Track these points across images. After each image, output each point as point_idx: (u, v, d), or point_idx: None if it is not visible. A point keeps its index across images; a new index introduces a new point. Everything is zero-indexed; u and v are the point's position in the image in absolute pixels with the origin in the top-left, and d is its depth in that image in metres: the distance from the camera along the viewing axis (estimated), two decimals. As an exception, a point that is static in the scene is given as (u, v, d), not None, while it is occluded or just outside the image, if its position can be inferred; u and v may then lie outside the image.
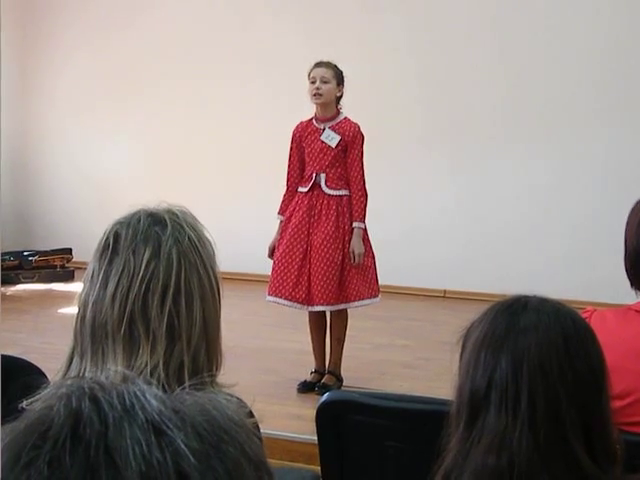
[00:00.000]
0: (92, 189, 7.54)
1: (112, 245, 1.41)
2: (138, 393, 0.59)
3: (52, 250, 7.33)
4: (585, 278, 6.19)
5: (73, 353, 1.42)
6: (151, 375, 1.36)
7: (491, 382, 1.27)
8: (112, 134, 7.59)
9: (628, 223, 2.07)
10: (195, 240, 1.43)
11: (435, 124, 6.83)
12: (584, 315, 2.06)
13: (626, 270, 2.06)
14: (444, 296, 6.67)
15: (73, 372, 1.40)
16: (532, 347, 1.27)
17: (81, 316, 1.41)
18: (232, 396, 1.73)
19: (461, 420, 1.30)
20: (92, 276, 1.42)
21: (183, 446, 0.57)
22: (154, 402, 0.58)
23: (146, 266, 1.38)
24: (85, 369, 1.39)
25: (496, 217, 6.69)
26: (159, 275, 1.38)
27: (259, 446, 0.63)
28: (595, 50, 6.44)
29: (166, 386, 1.36)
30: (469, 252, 6.70)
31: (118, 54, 7.52)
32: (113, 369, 1.36)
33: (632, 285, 2.06)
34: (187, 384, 1.35)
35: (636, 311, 2.02)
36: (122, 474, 0.55)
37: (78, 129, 7.70)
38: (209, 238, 1.50)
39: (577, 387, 1.25)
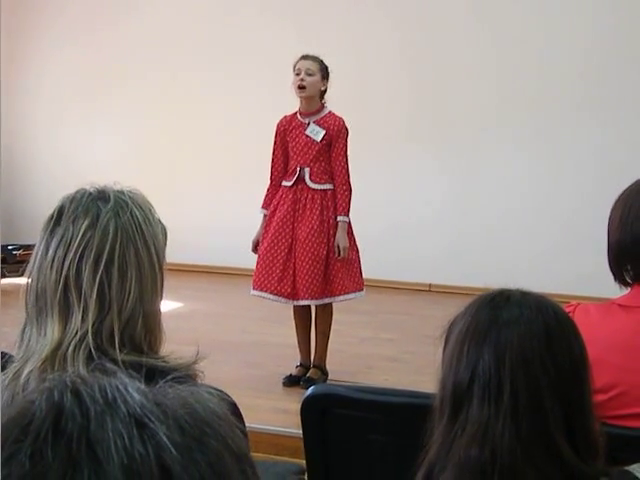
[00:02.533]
0: (76, 182, 7.47)
1: (55, 217, 1.47)
2: (120, 386, 0.59)
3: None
4: (571, 273, 6.21)
5: (25, 322, 1.47)
6: (80, 342, 1.40)
7: (474, 375, 1.27)
8: (96, 128, 7.56)
9: (610, 218, 2.08)
10: (138, 217, 1.46)
11: (422, 119, 6.84)
12: (568, 309, 2.07)
13: (609, 264, 2.07)
14: (429, 290, 6.69)
15: (25, 341, 1.45)
16: (514, 340, 1.27)
17: (29, 285, 1.47)
18: (216, 389, 1.74)
19: (444, 413, 1.30)
20: (37, 247, 1.48)
21: (165, 439, 0.57)
22: (136, 395, 0.58)
23: (82, 235, 1.43)
24: (32, 336, 1.44)
25: (482, 212, 6.71)
26: (93, 244, 1.42)
27: (242, 439, 0.63)
28: (586, 44, 6.45)
29: (95, 354, 1.39)
30: (455, 246, 6.71)
31: (103, 49, 7.49)
32: (50, 334, 1.40)
33: (615, 279, 2.07)
34: (120, 356, 1.39)
35: (619, 305, 2.03)
36: (104, 467, 0.55)
37: (63, 123, 7.67)
38: (160, 223, 1.53)
39: (559, 380, 1.26)
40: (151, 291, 1.45)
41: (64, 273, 1.42)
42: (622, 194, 2.09)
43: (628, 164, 5.64)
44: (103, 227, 1.43)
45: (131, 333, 1.43)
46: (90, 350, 1.39)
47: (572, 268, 6.21)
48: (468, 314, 1.34)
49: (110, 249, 1.42)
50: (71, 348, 1.38)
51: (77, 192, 1.50)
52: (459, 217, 6.75)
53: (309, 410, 2.20)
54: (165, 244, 1.54)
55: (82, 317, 1.41)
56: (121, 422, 0.57)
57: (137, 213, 1.46)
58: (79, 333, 1.40)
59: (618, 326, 2.00)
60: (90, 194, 1.48)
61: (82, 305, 1.41)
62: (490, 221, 6.66)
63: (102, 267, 1.41)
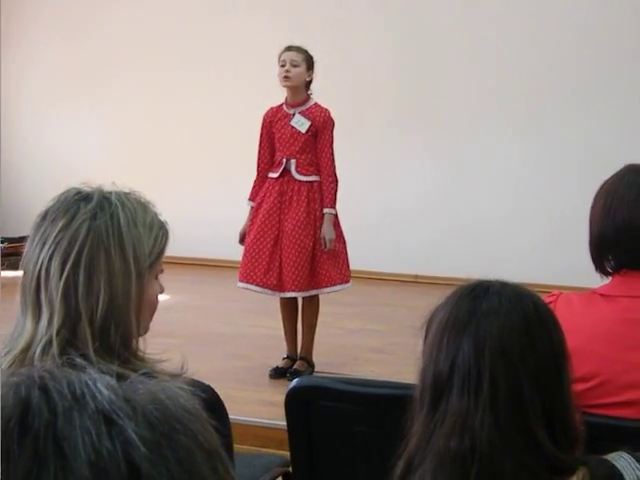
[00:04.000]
0: (63, 175, 7.45)
1: (42, 215, 1.48)
2: (89, 382, 0.58)
3: (20, 237, 7.25)
4: (559, 264, 6.21)
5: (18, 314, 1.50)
6: (47, 346, 1.39)
7: (454, 365, 1.28)
8: (84, 120, 7.53)
9: (592, 208, 2.09)
10: (120, 220, 1.44)
11: (408, 109, 6.83)
12: (550, 299, 2.08)
13: (591, 254, 2.08)
14: (416, 281, 6.69)
15: (13, 333, 1.47)
16: (494, 331, 1.28)
17: (21, 279, 1.50)
18: (199, 383, 1.73)
19: (424, 403, 1.31)
20: (27, 243, 1.50)
21: (134, 435, 0.56)
22: (105, 391, 0.58)
23: (55, 236, 1.43)
24: (17, 329, 1.46)
25: (469, 203, 6.72)
26: (62, 246, 1.41)
27: (214, 435, 0.63)
28: (573, 34, 6.46)
29: (58, 359, 1.37)
30: (441, 237, 6.72)
31: (88, 45, 7.45)
32: (25, 332, 1.41)
33: (597, 269, 2.08)
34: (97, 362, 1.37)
35: (601, 295, 2.04)
36: (71, 464, 0.54)
37: (50, 116, 7.63)
38: (157, 225, 1.50)
39: (538, 370, 1.26)
40: (124, 297, 1.43)
41: (36, 273, 1.42)
42: (604, 185, 2.09)
43: (618, 155, 5.65)
44: (75, 229, 1.41)
45: (105, 341, 1.41)
46: (55, 356, 1.38)
47: (561, 259, 6.21)
48: (448, 305, 1.35)
49: (77, 252, 1.40)
50: (38, 351, 1.37)
51: (66, 191, 1.49)
52: (446, 208, 6.76)
53: (293, 402, 2.20)
54: (163, 245, 1.51)
55: (49, 319, 1.40)
56: (89, 418, 0.56)
57: (120, 215, 1.44)
58: (45, 338, 1.40)
59: (600, 315, 2.01)
60: (77, 194, 1.47)
61: (49, 307, 1.41)
62: (477, 212, 6.67)
63: (68, 270, 1.40)
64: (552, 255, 6.35)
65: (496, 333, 1.27)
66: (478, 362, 1.26)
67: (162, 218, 1.53)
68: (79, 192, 1.47)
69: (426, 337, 1.37)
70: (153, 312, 1.57)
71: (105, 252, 1.41)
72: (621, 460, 1.27)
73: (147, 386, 0.61)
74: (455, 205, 6.74)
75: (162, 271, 1.55)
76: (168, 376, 1.39)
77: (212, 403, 1.95)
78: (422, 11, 6.75)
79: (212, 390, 1.90)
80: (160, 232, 1.50)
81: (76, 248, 1.41)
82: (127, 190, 1.50)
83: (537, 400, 1.25)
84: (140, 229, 1.46)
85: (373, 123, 6.87)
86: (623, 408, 1.94)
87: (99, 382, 0.58)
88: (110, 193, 1.47)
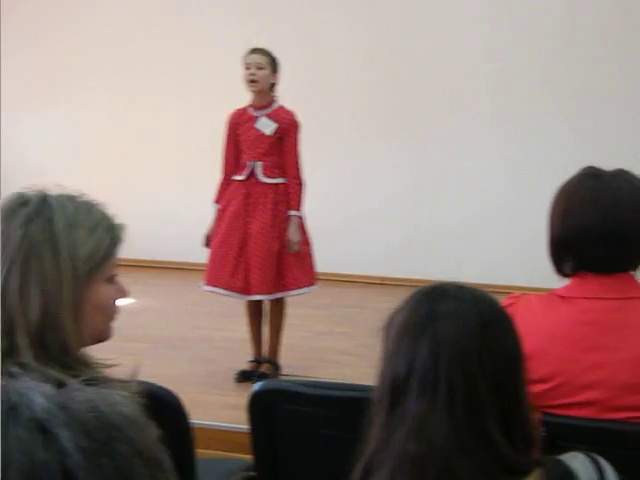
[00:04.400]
0: (32, 177, 7.40)
1: None
2: (24, 390, 0.58)
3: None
4: (522, 266, 6.24)
5: None
6: None
7: (411, 368, 1.28)
8: (52, 122, 7.47)
9: (552, 211, 2.10)
10: (58, 224, 1.42)
11: (375, 111, 6.84)
12: (510, 301, 2.10)
13: (550, 256, 2.09)
14: (383, 283, 6.71)
15: None
16: (450, 333, 1.28)
17: None
18: (159, 387, 1.73)
19: (382, 406, 1.31)
20: None
21: (69, 444, 0.56)
22: (40, 399, 0.57)
23: None
24: None
25: (435, 205, 6.74)
26: None
27: (155, 443, 0.62)
28: (539, 38, 6.51)
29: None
30: (408, 239, 6.74)
31: (58, 46, 7.40)
32: None
33: (555, 271, 2.09)
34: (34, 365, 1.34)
35: (560, 296, 2.05)
36: (5, 474, 0.54)
37: (19, 118, 7.56)
38: (103, 228, 1.48)
39: (494, 372, 1.27)
40: (59, 302, 1.41)
41: None
42: (562, 188, 2.11)
43: (578, 157, 5.70)
44: (9, 235, 1.40)
45: (43, 347, 1.39)
46: None
47: (524, 261, 6.24)
48: (405, 308, 1.35)
49: (11, 258, 1.39)
50: None
51: (10, 195, 1.47)
52: (412, 210, 6.78)
53: (256, 406, 2.20)
54: (109, 248, 1.49)
55: None
56: (23, 428, 0.56)
57: (57, 219, 1.42)
58: None
59: (559, 317, 2.02)
60: (18, 198, 1.45)
61: None
62: (443, 214, 6.69)
63: (2, 276, 1.39)
64: (515, 257, 6.39)
65: (453, 336, 1.28)
66: (435, 365, 1.26)
67: (115, 221, 1.50)
68: (21, 196, 1.45)
69: (384, 340, 1.37)
70: (109, 317, 1.54)
71: (38, 257, 1.40)
72: (576, 461, 1.28)
73: (85, 393, 0.60)
74: (421, 207, 6.77)
75: (115, 275, 1.52)
76: (117, 382, 1.37)
77: (171, 408, 1.95)
78: (389, 15, 6.77)
79: (171, 394, 1.90)
80: (106, 235, 1.47)
81: (10, 254, 1.39)
82: (74, 193, 1.48)
83: (493, 402, 1.25)
84: (79, 232, 1.43)
85: (339, 125, 6.88)
86: (582, 408, 1.96)
87: (34, 391, 0.58)
88: (51, 197, 1.45)
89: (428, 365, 1.26)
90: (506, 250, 6.49)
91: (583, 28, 6.40)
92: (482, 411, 1.24)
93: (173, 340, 5.17)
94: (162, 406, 1.94)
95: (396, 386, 1.29)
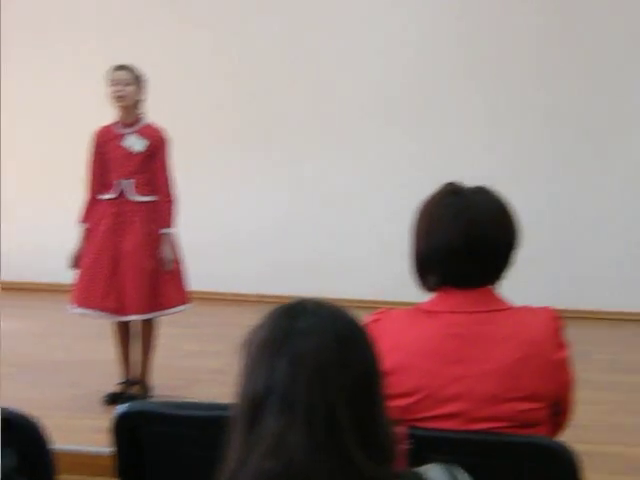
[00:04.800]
0: None
1: None
2: None
3: None
4: (385, 279, 6.32)
5: None
6: None
7: (270, 385, 1.27)
8: None
9: (416, 227, 2.12)
10: None
11: (248, 126, 6.82)
12: (376, 316, 2.11)
13: (413, 271, 2.12)
14: (258, 300, 6.68)
15: None
16: (308, 350, 1.28)
17: None
18: (16, 413, 1.66)
19: (242, 424, 1.29)
20: None
21: None
22: None
23: None
24: None
25: (307, 222, 6.77)
26: None
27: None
28: (412, 48, 6.63)
29: None
30: (282, 256, 6.74)
31: None
32: None
33: (419, 285, 2.12)
34: None
35: (424, 311, 2.08)
36: None
37: None
38: None
39: (352, 389, 1.27)
40: None
41: None
42: (424, 204, 2.13)
43: (439, 171, 5.83)
44: None
45: None
46: None
47: (388, 274, 6.29)
48: (265, 325, 1.34)
49: None
50: None
51: None
52: (286, 227, 6.79)
53: (120, 429, 2.14)
54: None
55: None
56: None
57: None
58: None
59: (424, 331, 2.05)
60: None
61: None
62: (316, 229, 6.73)
63: None
64: (380, 270, 6.46)
65: (311, 352, 1.27)
66: (293, 381, 1.25)
67: None
68: None
69: (244, 357, 1.36)
70: None
71: None
72: (432, 472, 1.30)
73: None
74: (294, 225, 6.78)
75: None
76: None
77: (28, 433, 1.87)
78: (259, 27, 6.77)
79: (28, 419, 1.83)
80: None
81: None
82: None
83: (351, 417, 1.25)
84: None
85: (211, 140, 6.83)
86: (446, 420, 1.99)
87: None
88: None
89: (286, 382, 1.25)
90: (372, 263, 6.57)
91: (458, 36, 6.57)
92: (340, 426, 1.24)
93: (41, 364, 5.02)
94: (20, 431, 1.87)
95: (255, 404, 1.27)
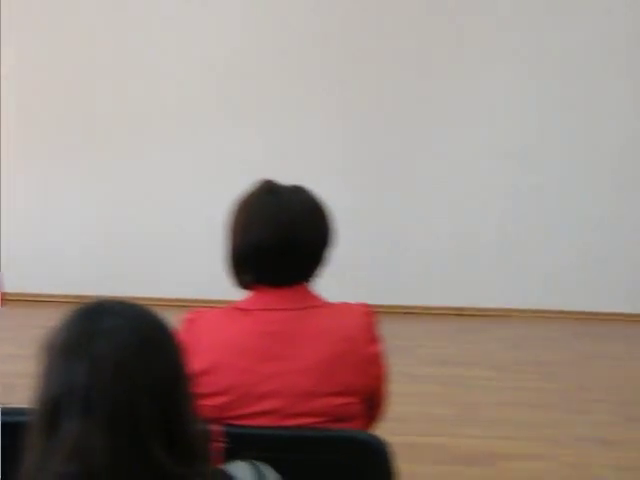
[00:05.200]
0: None
1: None
2: None
3: None
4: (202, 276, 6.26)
5: None
6: None
7: (68, 388, 1.23)
8: None
9: (232, 222, 2.11)
10: None
11: (71, 126, 6.61)
12: (192, 315, 2.09)
13: (229, 268, 2.11)
14: (80, 302, 6.49)
15: None
16: (109, 351, 1.25)
17: None
18: None
19: (40, 429, 1.24)
20: None
21: None
22: None
23: None
24: None
25: (134, 215, 6.63)
26: None
27: None
28: (288, 40, 6.59)
29: None
30: (104, 254, 6.59)
31: None
32: None
33: (235, 283, 2.11)
34: None
35: (239, 309, 2.08)
36: None
37: None
38: None
39: (155, 389, 1.25)
40: None
41: None
42: (241, 200, 2.13)
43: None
44: None
45: None
46: None
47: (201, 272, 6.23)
48: (64, 326, 1.29)
49: None
50: None
51: None
52: (107, 225, 6.63)
53: None
54: None
55: None
56: None
57: None
58: None
59: (238, 329, 2.05)
60: None
61: None
62: (143, 223, 6.61)
63: None
64: (196, 270, 6.43)
65: (111, 353, 1.24)
66: (93, 383, 1.22)
67: None
68: None
69: (43, 360, 1.30)
70: None
71: None
72: (237, 468, 1.30)
73: None
74: (116, 221, 6.63)
75: None
76: None
77: None
78: (77, 27, 6.57)
79: None
80: None
81: None
82: None
83: (154, 418, 1.23)
84: None
85: (32, 144, 6.59)
86: (262, 417, 1.99)
87: None
88: None
89: (87, 384, 1.22)
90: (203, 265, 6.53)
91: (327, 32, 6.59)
92: (142, 427, 1.22)
93: None
94: None
95: (54, 408, 1.23)
